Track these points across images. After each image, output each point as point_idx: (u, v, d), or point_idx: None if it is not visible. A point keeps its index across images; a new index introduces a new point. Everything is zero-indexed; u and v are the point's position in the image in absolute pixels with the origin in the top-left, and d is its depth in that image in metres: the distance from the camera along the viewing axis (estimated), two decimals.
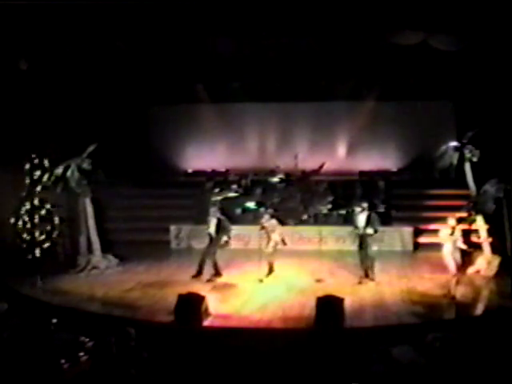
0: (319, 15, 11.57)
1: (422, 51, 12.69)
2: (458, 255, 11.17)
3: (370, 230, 12.09)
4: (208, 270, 12.73)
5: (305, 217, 16.49)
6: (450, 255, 11.16)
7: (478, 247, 13.43)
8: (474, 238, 13.62)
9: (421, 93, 17.40)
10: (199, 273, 12.71)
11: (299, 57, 14.72)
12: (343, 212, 16.17)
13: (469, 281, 12.29)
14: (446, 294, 11.22)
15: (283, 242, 12.92)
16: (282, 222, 13.70)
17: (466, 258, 12.58)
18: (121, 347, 7.02)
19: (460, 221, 11.80)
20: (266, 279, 12.53)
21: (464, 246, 11.27)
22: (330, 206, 16.49)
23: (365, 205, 12.39)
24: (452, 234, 11.11)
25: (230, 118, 19.30)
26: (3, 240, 13.61)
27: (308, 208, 16.66)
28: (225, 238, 12.79)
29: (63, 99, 14.54)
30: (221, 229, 12.73)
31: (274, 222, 12.94)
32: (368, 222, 12.13)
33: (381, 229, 12.42)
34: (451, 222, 11.23)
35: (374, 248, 12.41)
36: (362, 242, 12.24)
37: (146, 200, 17.82)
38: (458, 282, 11.27)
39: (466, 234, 12.78)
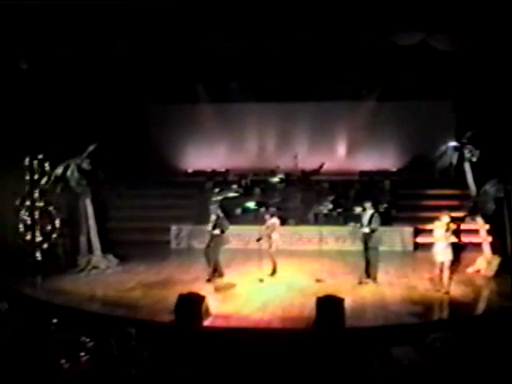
0: (319, 15, 11.58)
1: (422, 51, 12.70)
2: (449, 252, 11.25)
3: (366, 229, 12.08)
4: (208, 270, 12.73)
5: (308, 217, 16.49)
6: (440, 253, 11.24)
7: (477, 247, 13.49)
8: (473, 239, 13.68)
9: (421, 92, 17.41)
10: (217, 272, 12.69)
11: (299, 57, 14.73)
12: (343, 212, 16.15)
13: (469, 281, 12.31)
14: (440, 289, 11.32)
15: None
16: (283, 221, 13.69)
17: (462, 255, 12.68)
18: (121, 347, 7.02)
19: (453, 219, 11.83)
20: (266, 279, 12.53)
21: (456, 240, 11.35)
22: (330, 206, 16.48)
23: (368, 204, 12.39)
24: (447, 230, 11.18)
25: (230, 118, 19.34)
26: (4, 240, 13.61)
27: (308, 208, 16.65)
28: (217, 232, 12.66)
29: (63, 99, 14.54)
30: (217, 226, 12.68)
31: (274, 221, 12.95)
32: (370, 222, 12.14)
33: (381, 229, 12.38)
34: (445, 219, 11.29)
35: (380, 248, 12.42)
36: (366, 241, 12.23)
37: (146, 200, 17.83)
38: (451, 278, 11.40)
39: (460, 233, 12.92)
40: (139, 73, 16.10)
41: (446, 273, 11.35)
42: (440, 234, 11.33)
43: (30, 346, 7.65)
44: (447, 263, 11.32)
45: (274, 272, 12.80)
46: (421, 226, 15.74)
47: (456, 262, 12.23)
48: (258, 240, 12.52)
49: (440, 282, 11.37)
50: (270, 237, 12.81)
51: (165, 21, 11.85)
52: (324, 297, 9.90)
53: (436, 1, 11.25)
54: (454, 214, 12.40)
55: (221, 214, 12.86)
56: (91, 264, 13.86)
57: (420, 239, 15.65)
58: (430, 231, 12.97)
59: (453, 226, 11.42)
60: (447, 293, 11.27)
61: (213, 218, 12.76)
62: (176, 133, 19.54)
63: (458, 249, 12.03)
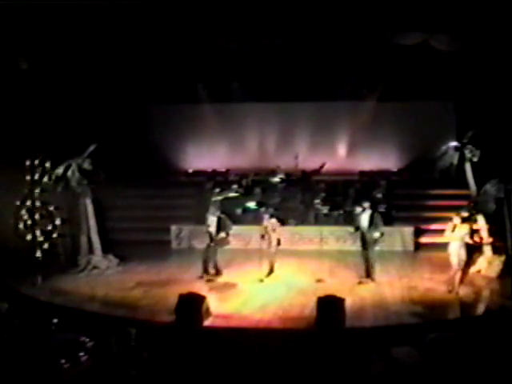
0: (320, 15, 11.58)
1: (423, 51, 12.70)
2: (463, 252, 11.23)
3: (376, 234, 12.08)
4: (210, 271, 12.74)
5: (308, 217, 16.48)
6: (455, 252, 11.24)
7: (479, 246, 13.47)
8: (474, 238, 13.65)
9: (421, 93, 17.40)
10: (205, 272, 12.71)
11: (300, 57, 14.73)
12: (343, 212, 16.14)
13: (470, 281, 12.28)
14: (451, 290, 11.34)
15: (278, 242, 12.88)
16: (282, 222, 13.69)
17: (471, 256, 12.65)
18: (121, 347, 7.03)
19: (464, 220, 11.81)
20: (266, 279, 12.53)
21: (471, 241, 11.37)
22: (320, 204, 16.48)
23: (366, 204, 12.39)
24: (453, 230, 11.17)
25: (231, 118, 19.32)
26: (4, 240, 13.61)
27: (308, 208, 16.65)
28: (222, 235, 12.71)
29: (64, 99, 14.54)
30: (221, 227, 12.71)
31: (274, 221, 12.94)
32: (371, 223, 12.12)
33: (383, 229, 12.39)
34: (456, 220, 11.31)
35: (377, 248, 12.41)
36: (365, 241, 12.23)
37: (146, 200, 17.82)
38: (462, 279, 11.38)
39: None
40: (140, 73, 16.09)
41: (458, 273, 11.33)
42: (448, 235, 11.34)
43: (30, 346, 7.66)
44: (461, 263, 11.30)
45: (270, 272, 12.77)
46: (422, 226, 15.74)
47: (469, 263, 12.17)
48: (263, 237, 12.53)
49: (453, 282, 11.34)
50: (270, 237, 12.78)
51: (166, 21, 11.86)
52: (324, 297, 9.90)
53: (437, 1, 11.25)
54: (465, 214, 12.42)
55: (222, 215, 12.87)
56: (91, 264, 13.86)
57: (421, 239, 15.63)
58: (434, 231, 12.96)
59: (465, 227, 11.39)
60: (456, 293, 11.27)
61: (213, 219, 12.75)
62: (176, 133, 19.52)
63: (471, 248, 11.98)
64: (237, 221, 15.87)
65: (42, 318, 9.12)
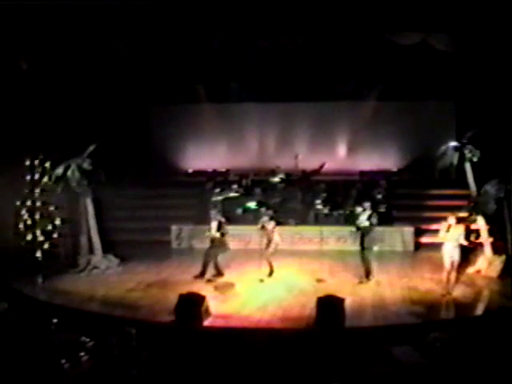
0: (320, 15, 11.59)
1: (422, 51, 12.71)
2: (456, 253, 11.21)
3: (365, 223, 12.10)
4: (209, 271, 12.74)
5: (308, 217, 16.50)
6: (448, 253, 11.23)
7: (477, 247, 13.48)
8: (470, 239, 13.67)
9: (421, 93, 17.41)
10: (203, 274, 12.71)
11: (299, 57, 14.73)
12: (344, 212, 16.14)
13: (470, 281, 12.30)
14: (444, 294, 11.28)
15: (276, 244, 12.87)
16: (281, 224, 13.70)
17: (468, 256, 12.64)
18: (122, 347, 7.03)
19: (460, 220, 11.80)
20: (266, 279, 12.54)
21: (466, 242, 11.33)
22: (321, 205, 16.49)
23: (367, 204, 12.42)
24: (447, 230, 11.16)
25: (231, 118, 19.34)
26: (4, 240, 13.61)
27: (308, 208, 16.65)
28: (217, 235, 12.67)
29: (64, 99, 14.54)
30: (220, 231, 12.72)
31: (273, 223, 12.93)
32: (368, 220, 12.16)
33: (381, 229, 12.39)
34: (451, 220, 11.29)
35: (375, 248, 12.40)
36: (363, 241, 12.23)
37: (146, 200, 17.82)
38: (456, 280, 11.37)
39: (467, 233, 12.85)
40: (140, 73, 16.09)
41: (453, 274, 11.32)
42: (443, 235, 11.33)
43: (30, 345, 7.66)
44: (454, 264, 11.27)
45: (271, 272, 12.77)
46: (422, 226, 15.74)
47: (463, 264, 12.16)
48: (262, 228, 12.62)
49: (446, 283, 11.31)
50: (269, 238, 12.75)
51: (166, 22, 11.86)
52: (324, 297, 9.91)
53: (436, 1, 11.25)
54: (462, 215, 12.39)
55: (222, 219, 12.88)
56: (91, 264, 13.85)
57: (421, 239, 15.63)
58: (434, 231, 12.90)
59: (460, 227, 11.38)
60: (449, 294, 11.26)
61: (214, 224, 12.74)
62: (176, 133, 19.54)
63: (466, 250, 11.98)
64: (237, 221, 15.93)
65: (42, 317, 9.12)
